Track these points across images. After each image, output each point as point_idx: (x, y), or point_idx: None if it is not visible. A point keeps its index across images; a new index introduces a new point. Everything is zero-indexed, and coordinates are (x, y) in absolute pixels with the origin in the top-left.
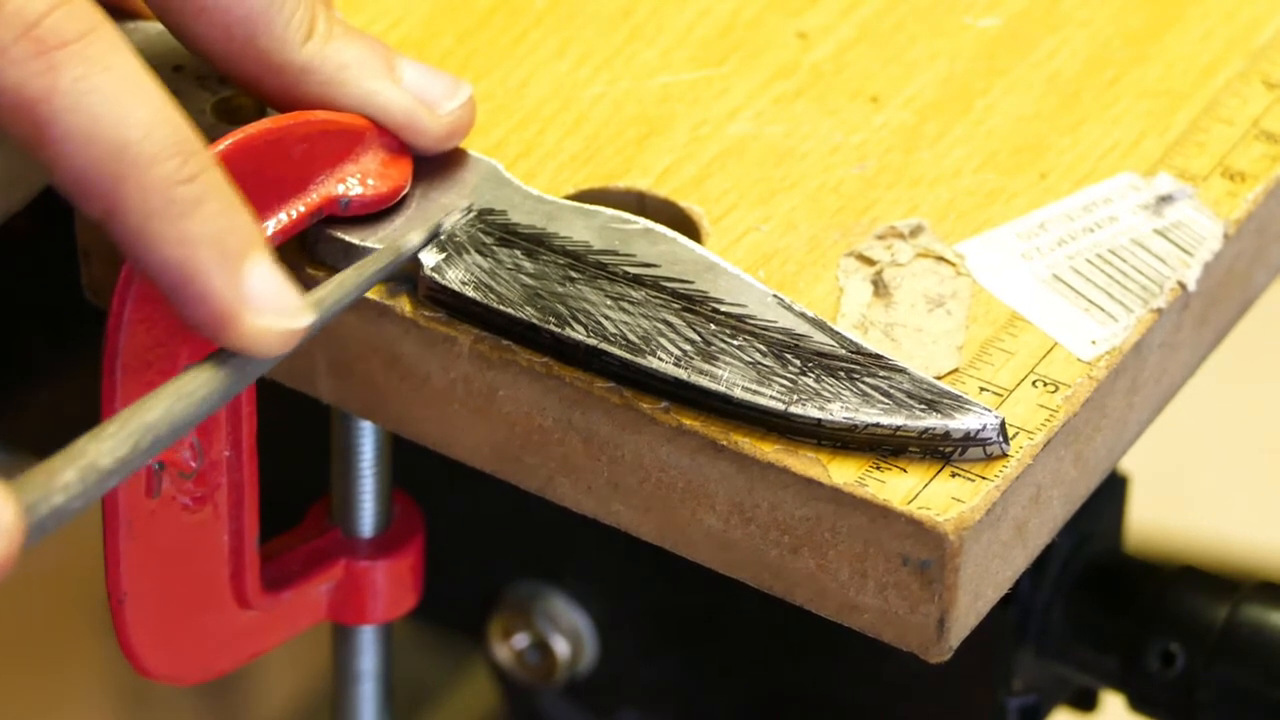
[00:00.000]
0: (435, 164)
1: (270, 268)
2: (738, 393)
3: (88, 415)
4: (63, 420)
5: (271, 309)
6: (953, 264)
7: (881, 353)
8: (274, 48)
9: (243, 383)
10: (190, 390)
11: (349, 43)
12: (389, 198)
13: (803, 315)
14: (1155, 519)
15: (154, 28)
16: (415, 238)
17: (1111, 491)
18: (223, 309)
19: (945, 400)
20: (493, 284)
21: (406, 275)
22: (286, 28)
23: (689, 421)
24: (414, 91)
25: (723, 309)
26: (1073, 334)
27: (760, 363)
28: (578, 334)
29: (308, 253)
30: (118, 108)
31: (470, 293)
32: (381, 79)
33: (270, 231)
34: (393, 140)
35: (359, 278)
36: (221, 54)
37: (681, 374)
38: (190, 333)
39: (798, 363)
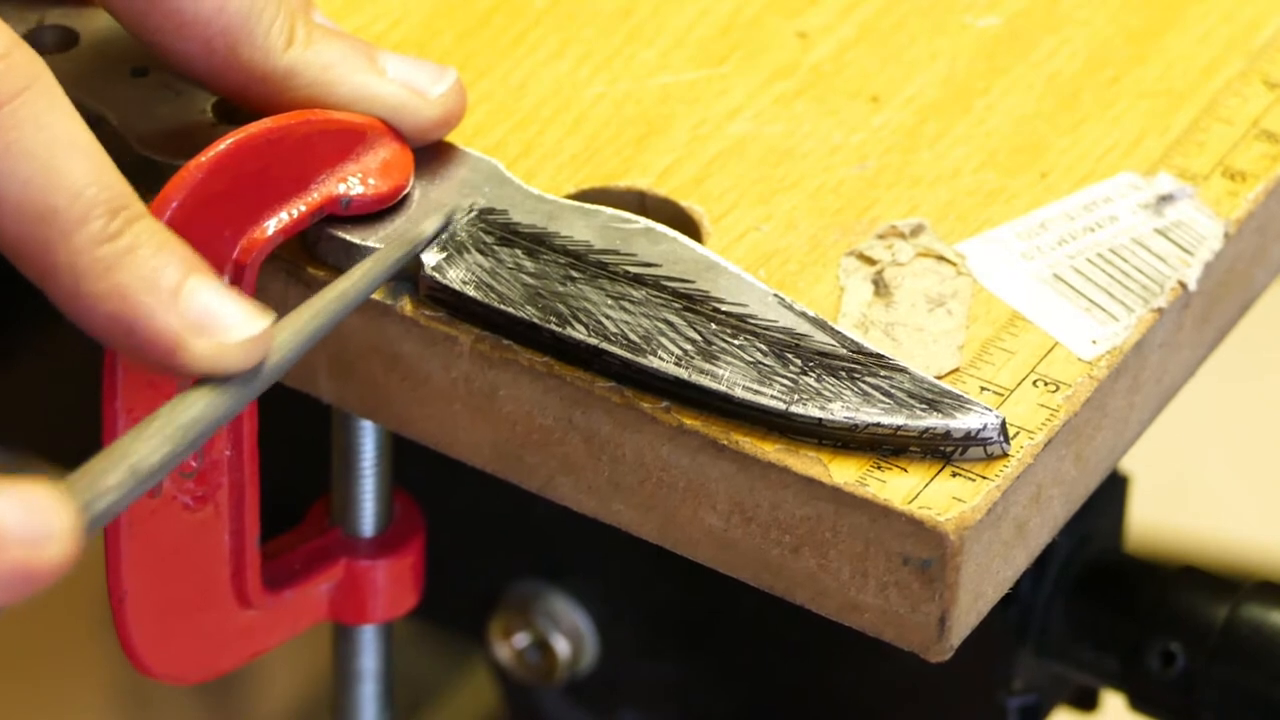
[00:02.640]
0: (436, 163)
1: (211, 288)
2: (739, 392)
3: (85, 411)
4: (59, 417)
5: (220, 326)
6: (953, 263)
7: (882, 352)
8: (256, 57)
9: (274, 376)
10: (224, 386)
11: (330, 44)
12: (390, 197)
13: (803, 315)
14: (1156, 519)
15: None
16: (429, 224)
17: (1112, 491)
18: (168, 341)
19: (946, 400)
20: (494, 283)
21: (407, 275)
22: (267, 36)
23: (690, 421)
24: (401, 81)
25: (724, 308)
26: (1073, 333)
27: (761, 362)
28: (578, 333)
29: (308, 252)
30: (49, 172)
31: (471, 292)
32: (367, 73)
33: (271, 231)
34: (394, 139)
35: (379, 266)
36: (205, 68)
37: (682, 373)
38: None
39: (799, 362)
